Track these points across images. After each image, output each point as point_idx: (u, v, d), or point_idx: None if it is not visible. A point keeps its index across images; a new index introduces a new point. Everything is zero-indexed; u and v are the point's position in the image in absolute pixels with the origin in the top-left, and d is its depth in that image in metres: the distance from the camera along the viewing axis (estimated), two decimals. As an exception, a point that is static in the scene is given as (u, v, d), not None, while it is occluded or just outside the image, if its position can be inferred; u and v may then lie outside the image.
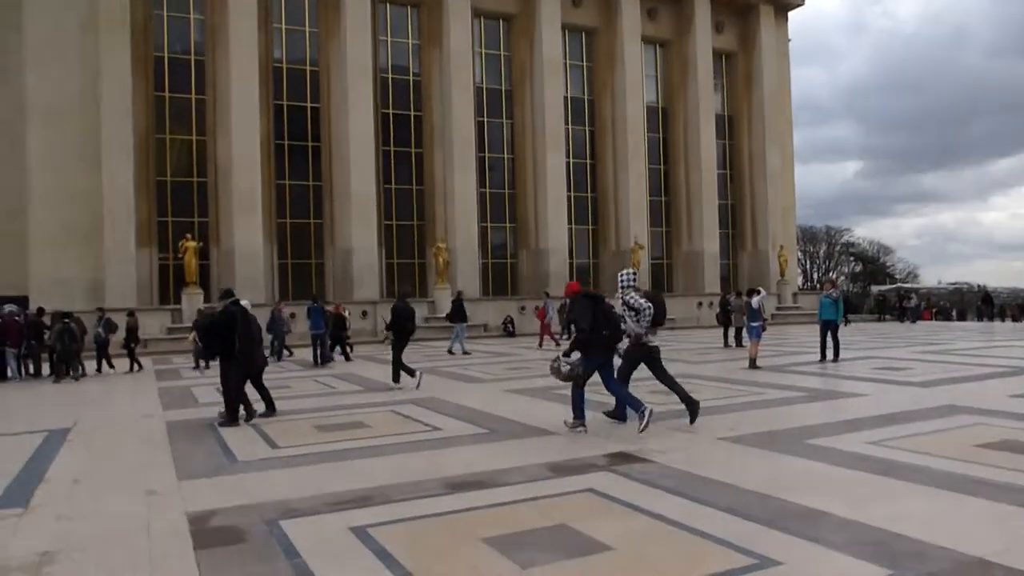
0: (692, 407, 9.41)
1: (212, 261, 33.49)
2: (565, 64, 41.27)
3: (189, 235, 29.92)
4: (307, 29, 36.39)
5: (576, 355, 9.20)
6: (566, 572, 4.59)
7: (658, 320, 9.40)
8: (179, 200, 33.83)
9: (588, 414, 9.34)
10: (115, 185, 30.48)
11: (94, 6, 30.68)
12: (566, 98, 40.97)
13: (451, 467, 7.42)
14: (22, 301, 25.97)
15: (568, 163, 40.76)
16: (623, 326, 9.35)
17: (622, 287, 9.57)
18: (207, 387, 15.42)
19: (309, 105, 36.28)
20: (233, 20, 32.72)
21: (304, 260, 36.16)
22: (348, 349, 22.19)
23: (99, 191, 30.24)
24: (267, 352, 22.69)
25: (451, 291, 33.37)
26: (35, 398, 15.48)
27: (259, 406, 11.33)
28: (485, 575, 4.58)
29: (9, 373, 19.47)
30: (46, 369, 19.99)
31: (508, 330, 33.58)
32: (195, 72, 34.27)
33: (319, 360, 20.31)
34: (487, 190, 39.85)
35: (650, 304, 9.29)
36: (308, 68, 36.42)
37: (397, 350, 14.61)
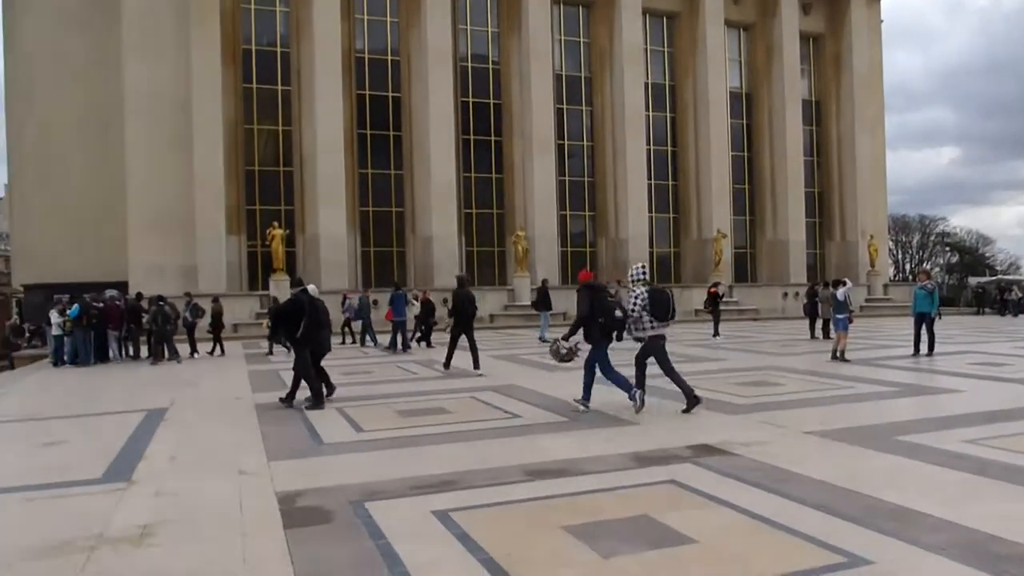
0: (691, 400, 9.72)
1: (298, 248, 34.42)
2: (646, 49, 40.71)
3: (276, 223, 30.83)
4: (388, 19, 36.89)
5: (574, 339, 10.10)
6: (649, 563, 4.56)
7: (657, 315, 9.77)
8: (266, 188, 34.87)
9: (658, 400, 9.26)
10: (206, 174, 31.61)
11: (185, 1, 31.78)
12: (646, 84, 40.43)
13: (531, 454, 7.45)
14: (122, 287, 27.31)
15: (648, 150, 40.27)
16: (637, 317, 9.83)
17: (632, 281, 10.01)
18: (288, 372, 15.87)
19: (390, 94, 36.82)
20: (317, 12, 33.43)
21: (386, 248, 36.80)
22: (430, 336, 22.50)
23: (191, 180, 31.42)
24: (358, 338, 23.36)
25: (530, 279, 33.55)
26: (135, 379, 16.24)
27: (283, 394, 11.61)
28: (566, 563, 4.60)
29: (111, 355, 20.50)
30: (143, 352, 20.95)
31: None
32: (281, 63, 35.19)
33: (401, 346, 20.66)
34: (566, 178, 39.72)
35: (645, 297, 9.78)
36: (389, 58, 36.95)
37: (456, 335, 15.00)
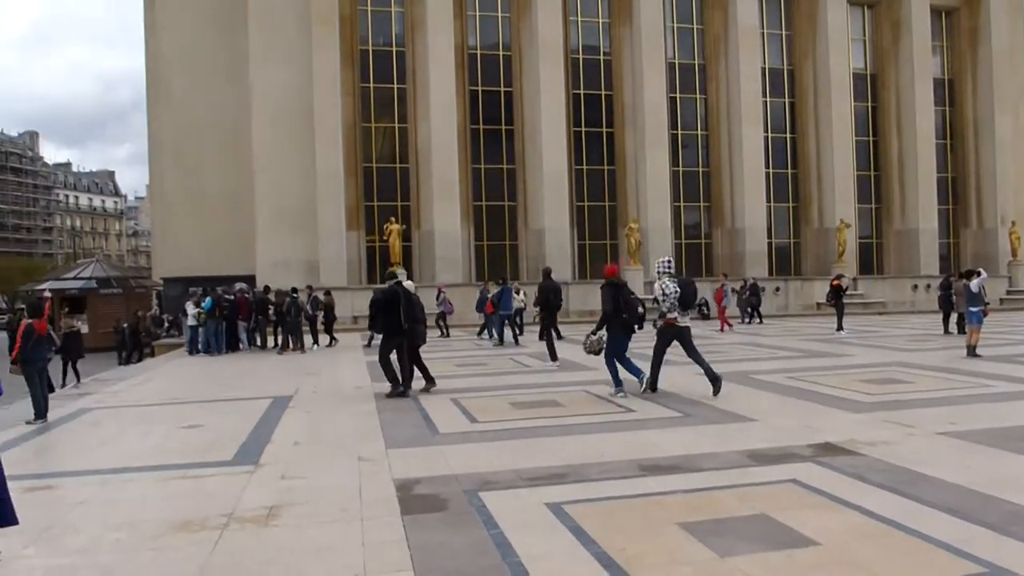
0: (716, 383, 10.49)
1: (414, 243, 35.20)
2: (762, 33, 39.32)
3: (393, 218, 31.64)
4: (499, 14, 37.13)
5: (602, 332, 10.97)
6: (768, 564, 4.41)
7: (685, 303, 10.65)
8: (383, 185, 35.83)
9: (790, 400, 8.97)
10: (326, 172, 32.77)
11: (307, 5, 33.02)
12: (763, 69, 39.04)
13: (644, 449, 7.36)
14: (250, 280, 28.73)
15: (766, 137, 38.91)
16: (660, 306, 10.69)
17: (658, 273, 10.83)
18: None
19: (502, 89, 37.07)
20: (431, 10, 34.02)
21: (498, 241, 37.14)
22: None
23: (313, 179, 32.65)
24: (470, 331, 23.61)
25: (643, 272, 33.10)
26: (262, 368, 17.06)
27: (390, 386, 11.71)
28: (682, 560, 4.51)
29: (240, 344, 21.61)
30: (270, 341, 21.97)
31: (703, 312, 32.72)
32: (396, 63, 36.03)
33: (511, 339, 20.77)
34: (680, 168, 38.92)
35: (677, 289, 10.56)
36: (500, 53, 37.21)
37: (546, 327, 15.26)
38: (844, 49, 39.17)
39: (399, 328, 11.37)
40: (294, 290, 21.48)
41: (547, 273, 16.31)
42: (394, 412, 9.98)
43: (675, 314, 10.60)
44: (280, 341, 21.24)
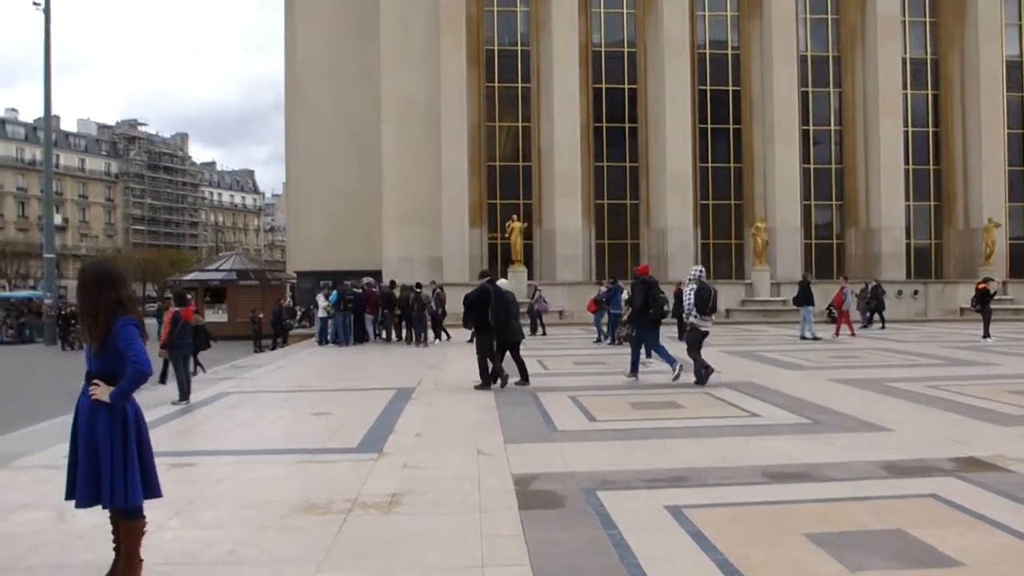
0: (699, 376, 11.77)
1: (535, 240, 35.40)
2: (903, 22, 37.13)
3: (515, 216, 31.92)
4: (624, 10, 36.76)
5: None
6: (904, 582, 4.15)
7: (700, 307, 11.84)
8: (506, 183, 36.22)
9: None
10: (451, 171, 33.42)
11: (436, 7, 33.75)
12: (904, 59, 36.89)
13: (770, 455, 7.09)
14: (377, 275, 29.67)
15: (906, 132, 36.75)
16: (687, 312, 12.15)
17: (689, 280, 12.25)
18: (529, 359, 16.36)
19: (626, 86, 36.70)
20: (556, 8, 34.07)
21: (620, 240, 36.81)
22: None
23: (438, 177, 33.37)
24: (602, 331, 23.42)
25: (769, 273, 32.05)
26: (387, 360, 17.57)
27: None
28: (807, 572, 4.30)
29: (366, 337, 22.35)
30: (394, 335, 22.60)
31: (832, 315, 31.23)
32: (521, 62, 36.31)
33: (615, 339, 20.37)
34: (811, 165, 37.36)
35: (696, 296, 11.87)
36: (625, 49, 36.84)
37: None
38: (997, 36, 36.48)
39: (487, 324, 11.83)
40: (418, 285, 22.01)
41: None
42: (513, 407, 10.04)
43: (698, 319, 11.91)
44: (404, 335, 21.84)
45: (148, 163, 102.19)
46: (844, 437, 7.92)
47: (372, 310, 22.42)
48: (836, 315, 28.20)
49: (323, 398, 11.44)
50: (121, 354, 3.97)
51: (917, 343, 20.17)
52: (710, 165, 36.94)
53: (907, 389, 11.19)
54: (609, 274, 28.30)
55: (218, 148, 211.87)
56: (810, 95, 37.24)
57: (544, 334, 24.03)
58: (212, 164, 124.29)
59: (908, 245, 36.56)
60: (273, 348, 26.62)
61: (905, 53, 37.13)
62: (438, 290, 22.92)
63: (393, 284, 23.83)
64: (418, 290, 21.55)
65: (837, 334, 22.25)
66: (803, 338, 20.94)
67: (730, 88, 37.09)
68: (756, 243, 32.26)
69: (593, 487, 6.01)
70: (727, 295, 32.50)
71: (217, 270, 35.84)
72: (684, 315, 12.42)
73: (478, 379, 11.91)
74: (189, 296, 13.22)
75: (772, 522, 5.13)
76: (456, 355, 18.16)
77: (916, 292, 33.63)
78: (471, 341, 20.74)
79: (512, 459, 7.06)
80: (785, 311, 30.97)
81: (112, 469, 3.96)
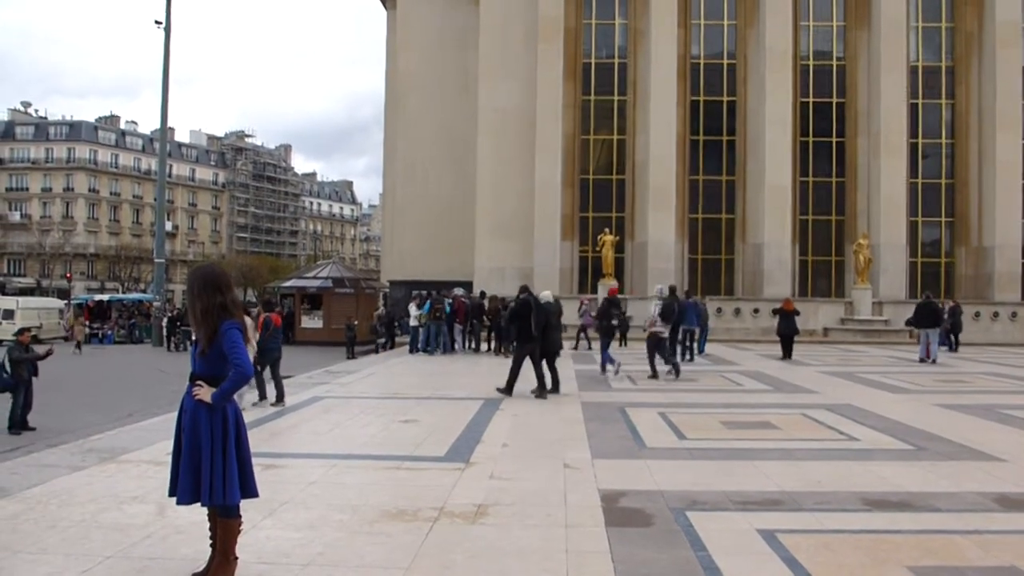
0: (654, 373, 15.11)
1: (626, 254, 35.10)
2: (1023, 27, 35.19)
3: (607, 229, 31.75)
4: (725, 22, 36.17)
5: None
6: (1017, 625, 3.90)
7: (666, 318, 15.41)
8: (599, 196, 36.07)
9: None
10: (544, 183, 33.54)
11: (534, 20, 34.02)
12: (1023, 69, 34.88)
13: (869, 482, 6.79)
14: (467, 286, 30.02)
15: (1024, 146, 34.71)
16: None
17: (656, 297, 16.42)
18: (620, 376, 16.21)
19: (725, 99, 36.07)
20: (654, 20, 33.82)
21: (714, 255, 36.12)
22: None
23: (531, 188, 33.54)
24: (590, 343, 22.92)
25: (871, 291, 30.82)
26: (475, 369, 17.72)
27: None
28: (911, 608, 4.09)
29: (456, 347, 22.60)
30: (483, 345, 22.77)
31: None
32: (618, 74, 36.17)
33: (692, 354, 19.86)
34: (919, 180, 35.77)
35: (657, 308, 15.59)
36: (725, 61, 36.21)
37: (673, 342, 16.80)
38: None
39: (529, 335, 12.39)
40: (503, 299, 22.09)
41: (672, 290, 17.75)
42: (601, 422, 9.95)
43: (657, 327, 15.28)
44: (493, 345, 21.99)
45: (253, 173, 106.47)
46: (951, 466, 7.51)
47: (462, 320, 22.67)
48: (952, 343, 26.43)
49: (412, 405, 11.63)
50: (224, 357, 4.13)
51: (1034, 370, 18.99)
52: (811, 179, 35.84)
53: (1022, 417, 10.55)
54: (702, 290, 27.65)
55: (319, 160, 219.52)
56: (920, 106, 35.71)
57: (589, 348, 23.30)
58: (313, 175, 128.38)
59: (1024, 265, 34.51)
60: (384, 348, 27.08)
61: (1025, 62, 35.11)
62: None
63: (483, 295, 24.04)
64: (503, 301, 21.67)
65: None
66: (922, 360, 19.90)
67: (834, 100, 35.95)
68: (858, 260, 31.01)
69: (682, 507, 5.89)
70: (826, 313, 31.46)
71: (315, 277, 36.88)
72: (647, 325, 15.86)
73: (502, 384, 12.48)
74: (275, 304, 13.83)
75: (871, 552, 4.91)
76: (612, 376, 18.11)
77: (1014, 314, 31.52)
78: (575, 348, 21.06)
79: (599, 474, 7.00)
80: (888, 331, 29.73)
81: (212, 468, 4.13)
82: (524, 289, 13.69)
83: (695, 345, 20.40)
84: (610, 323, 15.73)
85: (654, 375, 15.01)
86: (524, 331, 12.48)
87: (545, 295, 13.33)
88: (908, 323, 21.61)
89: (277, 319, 12.33)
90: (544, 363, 12.62)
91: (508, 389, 12.36)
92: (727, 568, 4.58)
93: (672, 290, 17.81)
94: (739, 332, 30.48)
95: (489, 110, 34.54)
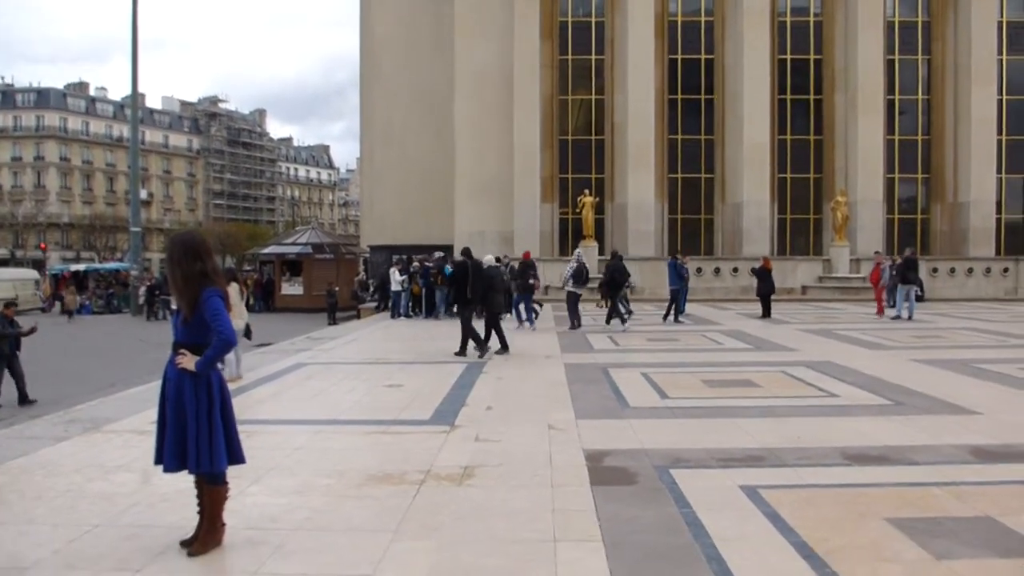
0: (574, 325, 17.45)
1: (606, 215, 35.10)
2: (1001, -18, 35.10)
3: (587, 191, 31.66)
4: (703, -21, 35.84)
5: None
6: (993, 571, 4.00)
7: (576, 280, 17.61)
8: (578, 157, 35.93)
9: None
10: (523, 144, 33.33)
11: (511, -22, 33.50)
12: (1000, 23, 34.84)
13: (849, 437, 6.90)
14: (448, 249, 29.92)
15: (1000, 100, 34.87)
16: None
17: (573, 260, 17.99)
18: (601, 335, 16.32)
19: (703, 57, 35.87)
20: (631, -22, 33.42)
21: (694, 215, 36.21)
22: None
23: (510, 152, 33.33)
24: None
25: (849, 249, 31.07)
26: (458, 333, 17.66)
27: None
28: (890, 557, 4.18)
29: (437, 313, 22.56)
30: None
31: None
32: (595, 34, 35.80)
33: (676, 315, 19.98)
34: (895, 137, 35.92)
35: (571, 270, 17.71)
36: (703, 19, 35.94)
37: (611, 299, 18.12)
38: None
39: (466, 298, 13.05)
40: (497, 260, 21.94)
41: (615, 253, 19.33)
42: (584, 383, 10.02)
43: (571, 287, 17.59)
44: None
45: (228, 139, 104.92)
46: (928, 419, 7.65)
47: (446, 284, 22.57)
48: (920, 295, 26.52)
49: (396, 371, 11.63)
50: (207, 324, 4.10)
51: (1006, 323, 19.31)
52: (789, 137, 35.90)
53: (997, 371, 10.74)
54: (682, 250, 27.74)
55: (295, 124, 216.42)
56: (896, 63, 35.73)
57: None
58: (289, 140, 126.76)
59: (999, 220, 34.91)
60: (383, 309, 26.70)
61: (1002, 16, 35.15)
62: (511, 264, 22.93)
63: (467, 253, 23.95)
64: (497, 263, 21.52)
65: (880, 312, 21.11)
66: (896, 318, 19.96)
67: (811, 57, 35.88)
68: (836, 218, 31.25)
69: (666, 465, 5.97)
70: (804, 271, 31.70)
71: (294, 244, 36.60)
72: (563, 284, 18.36)
73: (460, 347, 12.99)
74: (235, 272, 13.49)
75: (851, 505, 5.01)
76: (526, 330, 18.19)
77: (1006, 270, 32.12)
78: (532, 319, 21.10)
79: (583, 434, 7.06)
80: (865, 288, 30.01)
81: (198, 435, 4.12)
82: (464, 252, 14.16)
83: (675, 305, 20.33)
84: (527, 282, 18.34)
85: (574, 327, 17.29)
86: (461, 294, 13.19)
87: (488, 259, 14.07)
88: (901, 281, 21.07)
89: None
90: (491, 325, 13.44)
91: (462, 350, 12.92)
92: (711, 524, 4.65)
93: (614, 254, 19.58)
94: (719, 291, 30.71)
95: (466, 71, 34.14)
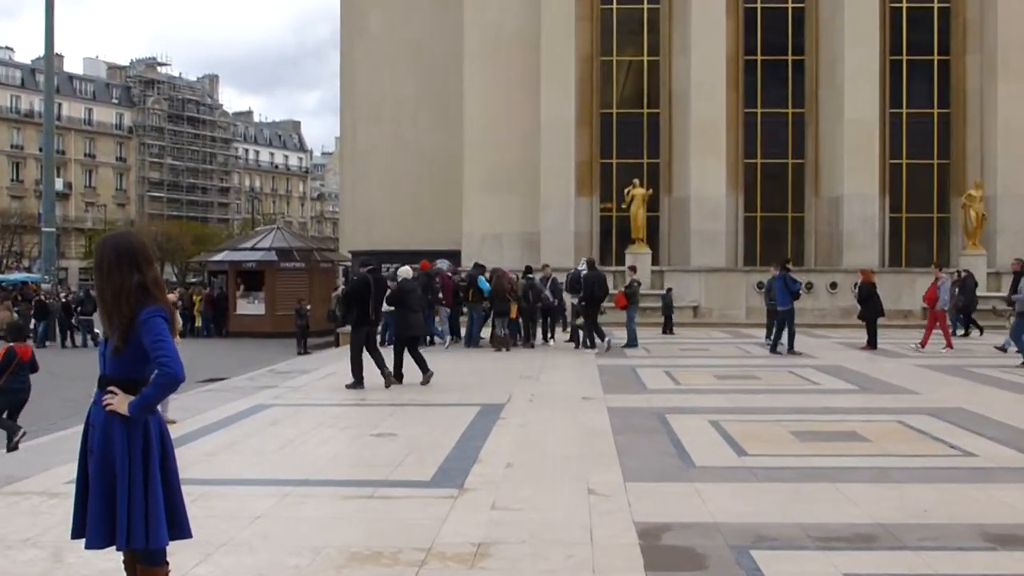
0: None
1: (661, 212, 35.13)
2: None
3: (636, 180, 31.72)
4: (791, -96, 35.97)
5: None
6: None
7: (570, 289, 21.17)
8: (625, 137, 35.97)
9: None
10: (553, 121, 33.43)
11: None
12: None
13: (991, 511, 6.84)
14: (455, 256, 29.96)
15: None
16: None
17: (579, 270, 20.85)
18: (655, 370, 16.26)
19: (790, 6, 35.90)
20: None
21: (777, 213, 36.13)
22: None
23: (536, 130, 33.42)
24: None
25: (987, 258, 30.80)
26: (467, 367, 17.69)
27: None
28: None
29: (436, 340, 22.46)
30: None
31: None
32: (648, -25, 35.98)
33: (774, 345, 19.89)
34: (1049, 111, 35.70)
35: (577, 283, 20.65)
36: (790, -43, 36.06)
37: (590, 317, 19.96)
38: None
39: (366, 318, 14.18)
40: (528, 270, 22.01)
41: (591, 263, 20.88)
42: (635, 433, 9.99)
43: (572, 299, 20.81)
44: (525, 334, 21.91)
45: (169, 113, 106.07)
46: (1097, 487, 7.55)
47: (448, 301, 22.52)
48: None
49: (387, 414, 11.65)
50: (145, 354, 4.09)
51: None
52: (904, 111, 35.76)
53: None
54: (765, 258, 27.65)
55: (257, 95, 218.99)
56: (1049, 14, 35.56)
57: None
58: (248, 114, 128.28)
59: None
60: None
61: None
62: (552, 276, 22.70)
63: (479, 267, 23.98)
64: (529, 276, 21.57)
65: (924, 344, 20.73)
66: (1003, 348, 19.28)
67: (935, 5, 35.77)
68: (968, 217, 31.04)
69: (745, 544, 5.92)
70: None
71: (253, 249, 36.86)
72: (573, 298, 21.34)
73: (350, 378, 14.03)
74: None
75: (997, 602, 4.93)
76: (555, 362, 18.19)
77: None
78: (574, 344, 21.10)
79: (634, 502, 7.02)
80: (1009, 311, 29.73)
81: (130, 501, 4.09)
82: (365, 264, 15.99)
83: (788, 330, 19.82)
84: (437, 297, 20.86)
85: (604, 343, 19.81)
86: (363, 314, 14.19)
87: (404, 271, 15.46)
88: None
89: (26, 351, 11.11)
90: (406, 350, 14.73)
91: (358, 383, 13.99)
92: (808, 624, 4.59)
93: (591, 264, 20.96)
94: (812, 314, 30.42)
95: (478, 27, 34.33)
